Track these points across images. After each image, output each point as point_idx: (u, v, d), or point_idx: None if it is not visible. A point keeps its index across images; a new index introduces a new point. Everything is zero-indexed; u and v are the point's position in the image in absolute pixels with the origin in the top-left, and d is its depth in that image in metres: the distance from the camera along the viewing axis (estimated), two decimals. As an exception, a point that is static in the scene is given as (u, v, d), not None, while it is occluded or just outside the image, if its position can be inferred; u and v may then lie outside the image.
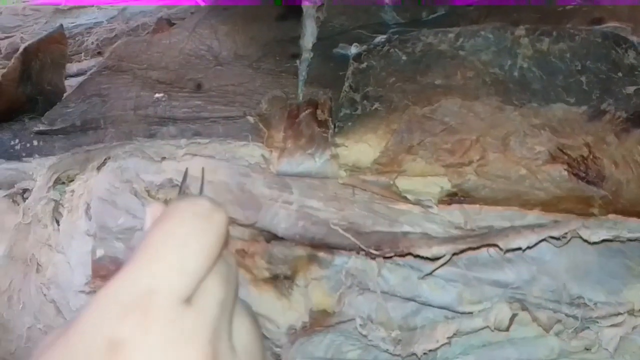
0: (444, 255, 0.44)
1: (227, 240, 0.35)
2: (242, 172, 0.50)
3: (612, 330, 0.43)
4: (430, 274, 0.46)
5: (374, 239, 0.46)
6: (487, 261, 0.46)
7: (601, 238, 0.43)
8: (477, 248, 0.45)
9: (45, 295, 0.52)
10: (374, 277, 0.45)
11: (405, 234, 0.46)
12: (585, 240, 0.44)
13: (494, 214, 0.46)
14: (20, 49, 0.62)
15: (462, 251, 0.45)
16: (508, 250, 0.45)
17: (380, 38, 0.53)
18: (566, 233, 0.44)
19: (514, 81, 0.47)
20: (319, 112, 0.50)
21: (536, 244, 0.44)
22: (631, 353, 0.44)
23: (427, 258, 0.45)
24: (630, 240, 0.44)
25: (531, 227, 0.44)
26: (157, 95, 0.54)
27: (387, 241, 0.46)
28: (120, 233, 0.50)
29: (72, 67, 0.70)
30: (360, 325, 0.46)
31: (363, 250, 0.45)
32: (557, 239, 0.44)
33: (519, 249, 0.44)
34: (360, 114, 0.49)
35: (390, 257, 0.46)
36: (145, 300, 0.30)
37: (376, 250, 0.45)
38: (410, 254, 0.45)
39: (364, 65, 0.51)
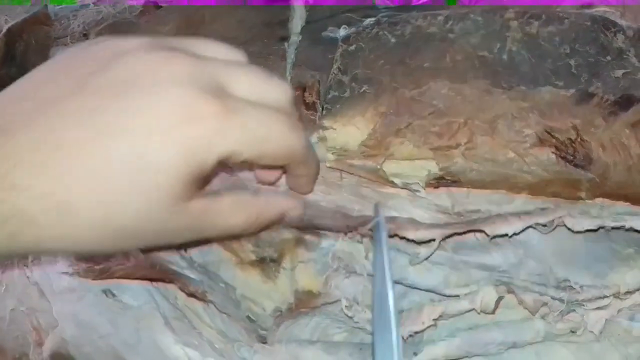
0: (432, 240, 0.44)
1: None
2: (229, 154, 0.50)
3: (597, 313, 0.44)
4: (423, 260, 0.46)
5: (360, 221, 0.46)
6: (474, 245, 0.46)
7: (584, 228, 0.43)
8: (464, 233, 0.45)
9: (28, 277, 0.52)
10: (361, 259, 0.45)
11: (392, 218, 0.46)
12: (570, 229, 0.44)
13: (482, 198, 0.46)
14: (4, 30, 0.61)
15: (449, 236, 0.45)
16: (494, 237, 0.45)
17: (370, 21, 0.53)
18: (552, 220, 0.44)
19: (503, 64, 0.46)
20: (306, 94, 0.50)
21: (522, 230, 0.44)
22: (616, 336, 0.44)
23: (413, 241, 0.44)
24: (614, 228, 0.44)
25: (518, 215, 0.44)
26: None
27: (375, 224, 0.46)
28: (105, 215, 0.50)
29: (57, 51, 0.69)
30: (346, 306, 0.45)
31: (350, 231, 0.45)
32: (544, 225, 0.44)
33: (506, 235, 0.44)
34: (348, 96, 0.48)
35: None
36: None
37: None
38: (396, 235, 0.44)
39: (353, 47, 0.51)
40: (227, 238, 0.46)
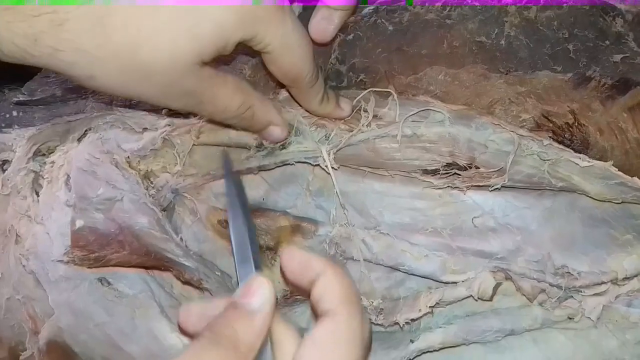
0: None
1: None
2: (225, 141, 0.50)
3: (595, 299, 0.43)
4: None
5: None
6: (472, 231, 0.46)
7: None
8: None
9: (24, 266, 0.52)
10: (358, 243, 0.45)
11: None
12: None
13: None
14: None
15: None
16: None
17: (368, 9, 0.52)
18: None
19: (501, 49, 0.46)
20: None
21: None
22: (614, 322, 0.44)
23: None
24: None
25: None
26: None
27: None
28: (100, 204, 0.49)
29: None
30: (342, 294, 0.45)
31: None
32: None
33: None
34: (345, 85, 0.48)
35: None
36: None
37: None
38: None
39: (351, 36, 0.50)
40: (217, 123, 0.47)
